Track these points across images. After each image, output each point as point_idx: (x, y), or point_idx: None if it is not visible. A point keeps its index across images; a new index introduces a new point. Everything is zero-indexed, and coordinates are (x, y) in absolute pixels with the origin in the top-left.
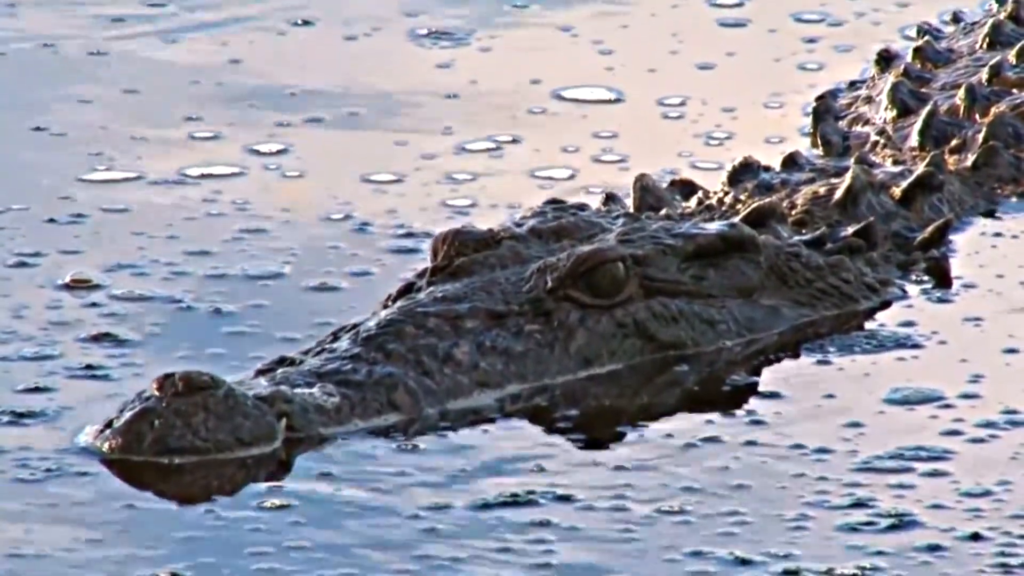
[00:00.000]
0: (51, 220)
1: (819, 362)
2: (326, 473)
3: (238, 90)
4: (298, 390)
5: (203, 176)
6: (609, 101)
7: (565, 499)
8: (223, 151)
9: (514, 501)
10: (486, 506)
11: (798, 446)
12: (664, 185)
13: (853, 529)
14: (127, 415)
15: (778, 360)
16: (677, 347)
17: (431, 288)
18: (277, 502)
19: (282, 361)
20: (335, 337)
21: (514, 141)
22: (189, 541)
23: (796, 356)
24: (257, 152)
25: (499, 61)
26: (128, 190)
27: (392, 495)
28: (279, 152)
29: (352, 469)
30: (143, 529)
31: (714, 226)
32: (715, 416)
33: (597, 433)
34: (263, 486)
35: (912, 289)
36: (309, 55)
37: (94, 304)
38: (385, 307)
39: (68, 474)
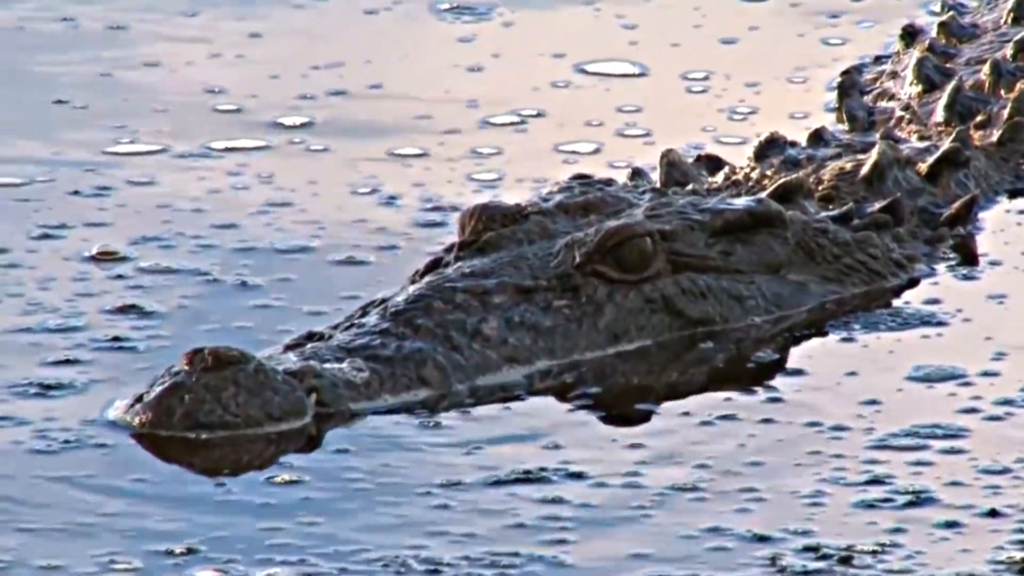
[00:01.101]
0: (76, 193)
1: (844, 339)
2: (344, 449)
3: (260, 64)
4: (328, 365)
5: (228, 150)
6: (633, 75)
7: (578, 476)
8: (247, 124)
9: (527, 478)
10: (499, 483)
11: (815, 423)
12: (690, 160)
13: (870, 506)
14: (157, 390)
15: (804, 337)
16: (705, 323)
17: (459, 263)
18: (294, 477)
19: (311, 336)
20: (364, 312)
21: (538, 115)
22: (205, 515)
23: (822, 333)
24: (281, 125)
25: (522, 35)
26: (153, 163)
27: (408, 472)
28: (303, 126)
29: (372, 445)
30: (158, 503)
31: (741, 201)
32: (736, 393)
33: (618, 410)
34: (285, 461)
35: (938, 266)
36: (331, 29)
37: (120, 276)
38: (413, 282)
39: (86, 446)
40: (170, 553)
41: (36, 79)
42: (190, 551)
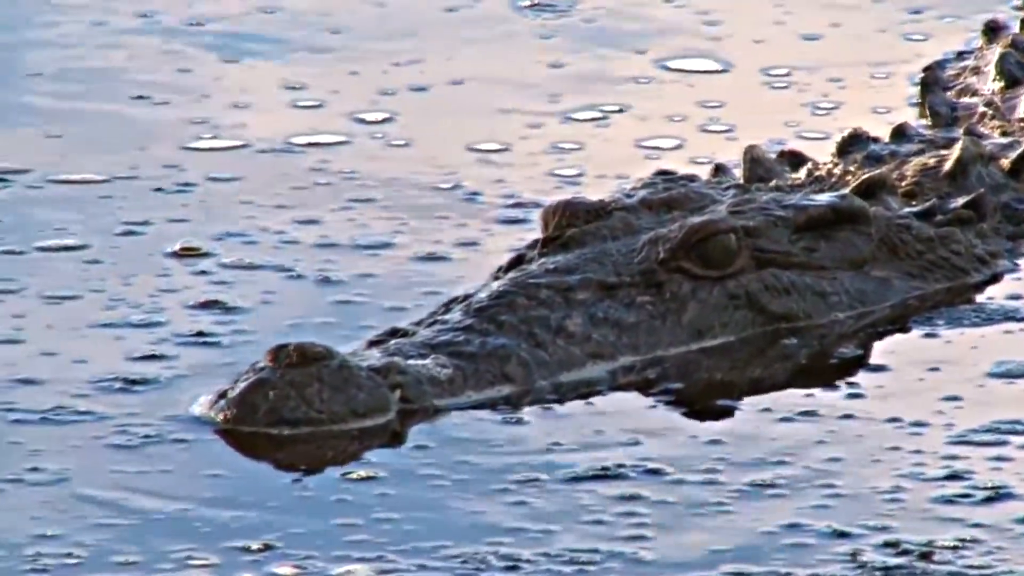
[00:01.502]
0: (159, 189)
1: (927, 335)
2: (424, 445)
3: (340, 59)
4: (412, 361)
5: (309, 145)
6: (715, 71)
7: (656, 473)
8: (328, 120)
9: (605, 475)
10: (577, 479)
11: (895, 419)
12: (773, 156)
13: (949, 501)
14: (241, 386)
15: (887, 333)
16: (788, 319)
17: (542, 259)
18: (372, 473)
19: (394, 332)
20: (447, 308)
21: (620, 110)
22: (282, 512)
23: (905, 329)
24: (362, 121)
25: (603, 31)
26: (234, 158)
27: (486, 468)
28: (384, 121)
29: (453, 441)
30: (236, 500)
31: (825, 197)
32: (816, 389)
33: (699, 406)
34: (365, 458)
35: (1021, 261)
36: (411, 25)
37: (203, 272)
38: (495, 278)
39: (166, 442)
40: (247, 549)
41: (115, 75)
42: (267, 547)
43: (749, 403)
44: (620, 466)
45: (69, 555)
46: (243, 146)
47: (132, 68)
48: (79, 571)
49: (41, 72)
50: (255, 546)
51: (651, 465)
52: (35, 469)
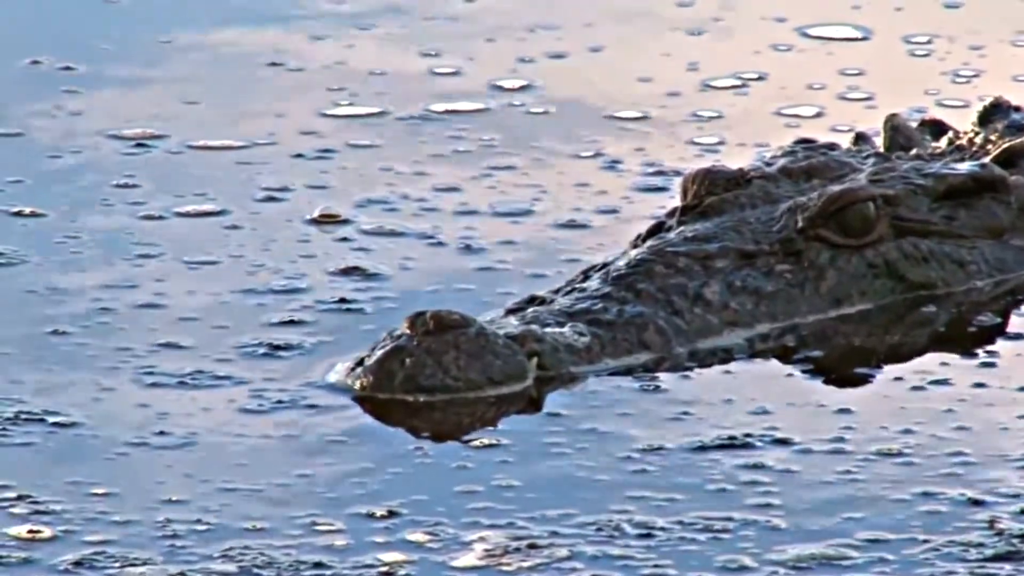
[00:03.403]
0: (298, 155)
1: None
2: (554, 413)
3: (476, 26)
4: (549, 329)
5: (447, 112)
6: (856, 39)
7: (783, 442)
8: (466, 87)
9: (731, 444)
10: (703, 448)
11: None
12: (914, 125)
13: None
14: (378, 353)
15: None
16: (927, 287)
17: (681, 227)
18: (495, 440)
19: (532, 300)
20: (585, 276)
21: (759, 79)
22: (408, 478)
23: None
24: (500, 88)
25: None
26: (373, 126)
27: (614, 436)
28: (522, 88)
29: (583, 409)
30: (362, 465)
31: (965, 166)
32: (950, 358)
33: (833, 374)
34: (494, 426)
35: None
36: None
37: (344, 239)
38: (635, 246)
39: (297, 407)
40: (371, 516)
41: (250, 44)
42: (392, 514)
43: (883, 371)
44: (747, 435)
45: (199, 521)
46: (381, 113)
47: (266, 35)
48: (209, 538)
49: (171, 41)
50: (379, 512)
51: (778, 435)
52: (162, 433)
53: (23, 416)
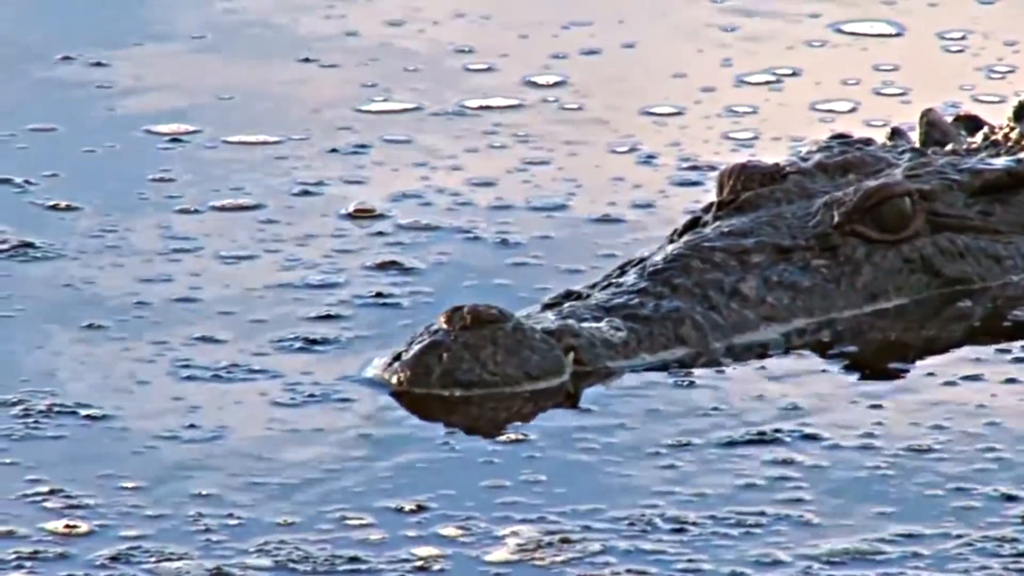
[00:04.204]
0: (333, 150)
1: None
2: (588, 408)
3: (509, 22)
4: (585, 324)
5: (482, 108)
6: (890, 35)
7: (812, 438)
8: (499, 83)
9: (760, 439)
10: (731, 444)
11: None
12: (949, 120)
13: None
14: (415, 348)
15: None
16: (963, 283)
17: (717, 222)
18: (523, 436)
19: (569, 295)
20: (621, 271)
21: (794, 74)
22: (437, 472)
23: None
24: (534, 84)
25: None
26: (407, 121)
27: (644, 431)
28: (556, 84)
29: (618, 404)
30: (390, 459)
31: (1001, 161)
32: (983, 353)
33: (868, 370)
34: (525, 421)
35: None
36: None
37: (379, 233)
38: (671, 241)
39: (329, 401)
40: (404, 511)
41: (283, 38)
42: (420, 508)
43: (917, 367)
44: (776, 431)
45: (230, 515)
46: (415, 108)
47: (300, 31)
48: (243, 533)
49: (206, 35)
50: (411, 507)
51: (808, 431)
52: (192, 426)
53: (56, 409)
